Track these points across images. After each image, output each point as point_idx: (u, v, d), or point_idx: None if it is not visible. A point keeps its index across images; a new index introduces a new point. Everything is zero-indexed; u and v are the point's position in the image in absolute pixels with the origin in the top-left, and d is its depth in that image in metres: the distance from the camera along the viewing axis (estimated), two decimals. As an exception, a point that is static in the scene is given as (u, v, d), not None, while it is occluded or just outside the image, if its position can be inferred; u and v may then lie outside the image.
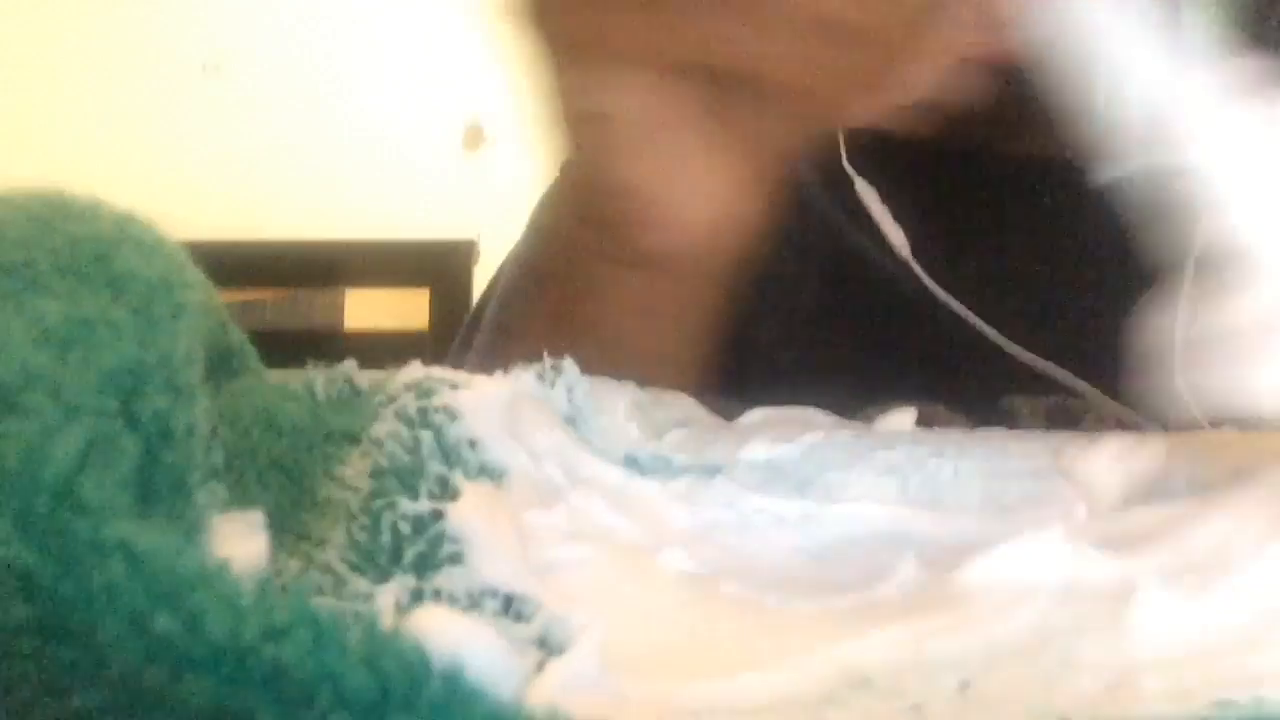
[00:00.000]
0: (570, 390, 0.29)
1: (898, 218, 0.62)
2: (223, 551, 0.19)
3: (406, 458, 0.24)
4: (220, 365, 0.27)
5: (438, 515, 0.23)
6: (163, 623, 0.15)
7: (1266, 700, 0.18)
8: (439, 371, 0.28)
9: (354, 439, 0.26)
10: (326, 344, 1.39)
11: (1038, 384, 0.52)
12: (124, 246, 0.22)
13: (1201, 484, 0.27)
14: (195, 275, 0.24)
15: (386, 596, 0.20)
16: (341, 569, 0.22)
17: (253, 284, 1.45)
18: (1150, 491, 0.27)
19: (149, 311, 0.21)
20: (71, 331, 0.19)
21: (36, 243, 0.21)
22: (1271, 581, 0.23)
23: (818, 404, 0.34)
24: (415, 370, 0.28)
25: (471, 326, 0.57)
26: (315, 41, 1.74)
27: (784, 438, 0.30)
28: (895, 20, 0.34)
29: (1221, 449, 0.29)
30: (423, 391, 0.27)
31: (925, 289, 0.58)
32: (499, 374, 0.29)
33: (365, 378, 0.29)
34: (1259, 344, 0.27)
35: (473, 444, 0.25)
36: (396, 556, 0.22)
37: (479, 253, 1.42)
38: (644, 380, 0.33)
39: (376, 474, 0.24)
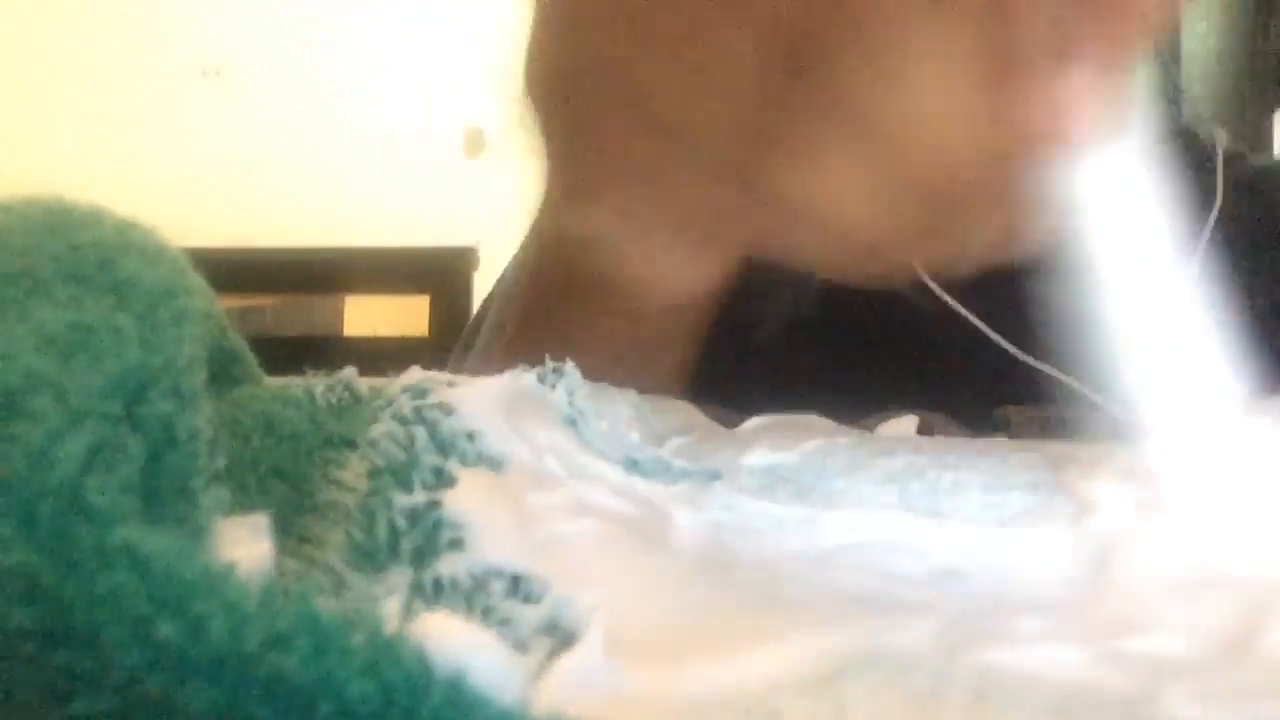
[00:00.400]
0: (571, 393, 0.29)
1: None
2: (228, 555, 0.19)
3: (401, 454, 0.24)
4: (220, 371, 0.27)
5: (434, 504, 0.23)
6: (165, 629, 0.15)
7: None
8: (437, 374, 0.28)
9: (353, 445, 0.26)
10: (326, 350, 1.40)
11: (1035, 394, 0.52)
12: (126, 253, 0.22)
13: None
14: (196, 282, 0.24)
15: (391, 602, 0.20)
16: (340, 568, 0.22)
17: (253, 290, 1.45)
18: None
19: (152, 317, 0.21)
20: (75, 337, 0.19)
21: (39, 250, 0.22)
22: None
23: (818, 412, 0.34)
24: (413, 374, 0.28)
25: (471, 334, 0.58)
26: (316, 47, 1.74)
27: (784, 445, 0.30)
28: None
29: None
30: (418, 392, 0.27)
31: (926, 295, 0.58)
32: (497, 375, 0.29)
33: (365, 384, 0.29)
34: None
35: (471, 436, 0.25)
36: (394, 551, 0.22)
37: (479, 259, 1.43)
38: None
39: (373, 474, 0.24)
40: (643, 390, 0.32)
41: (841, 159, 0.32)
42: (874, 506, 0.28)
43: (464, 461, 0.24)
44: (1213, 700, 0.19)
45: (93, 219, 0.23)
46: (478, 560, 0.21)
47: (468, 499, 0.23)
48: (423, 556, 0.22)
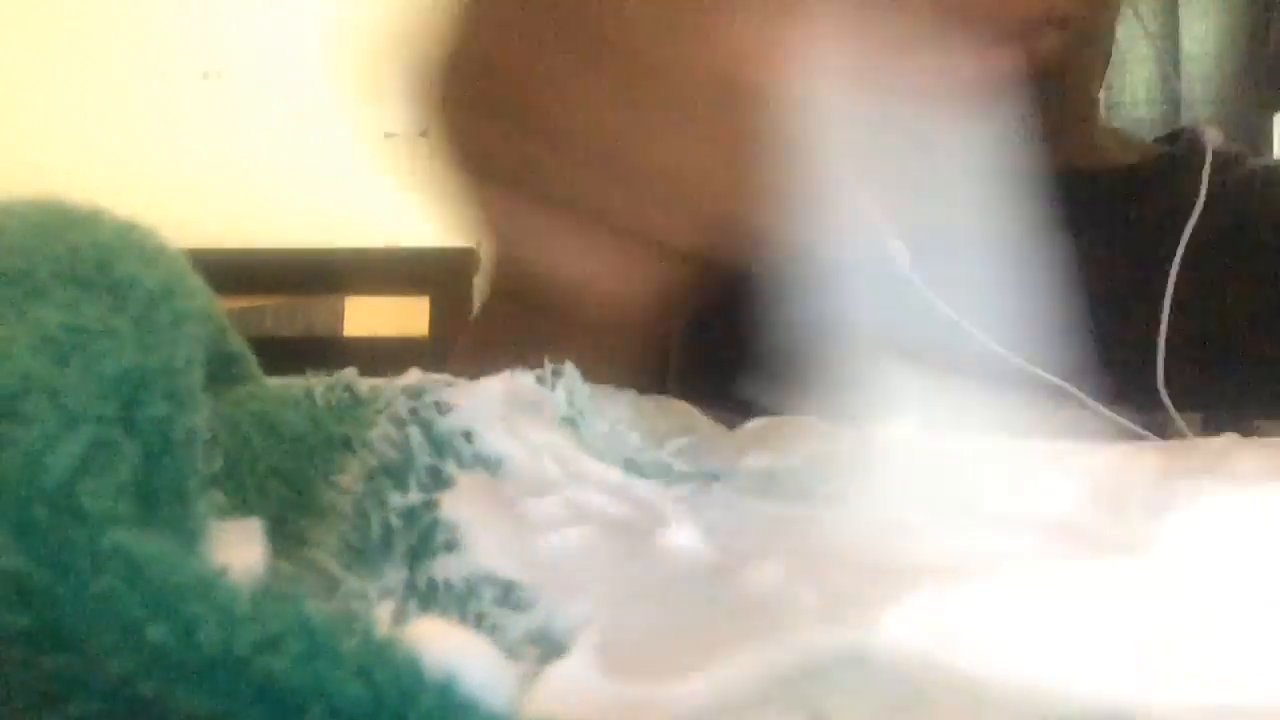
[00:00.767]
0: (571, 393, 0.29)
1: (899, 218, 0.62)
2: (222, 559, 0.19)
3: (395, 455, 0.24)
4: (220, 372, 0.27)
5: (430, 505, 0.23)
6: (157, 632, 0.15)
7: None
8: (436, 376, 0.28)
9: (350, 446, 0.26)
10: (326, 351, 1.40)
11: (1030, 394, 0.52)
12: (125, 254, 0.22)
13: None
14: (196, 283, 0.24)
15: (384, 607, 0.20)
16: (334, 569, 0.22)
17: (253, 291, 1.45)
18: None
19: (149, 319, 0.21)
20: (72, 339, 0.19)
21: (37, 250, 0.22)
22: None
23: (815, 414, 0.34)
24: (411, 375, 0.28)
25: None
26: (316, 49, 1.74)
27: (784, 447, 0.30)
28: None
29: (1217, 457, 0.29)
30: (414, 393, 0.27)
31: (919, 299, 0.58)
32: (497, 378, 0.29)
33: (365, 385, 0.29)
34: None
35: (467, 436, 0.25)
36: (388, 550, 0.22)
37: (479, 260, 1.43)
38: None
39: (370, 475, 0.24)
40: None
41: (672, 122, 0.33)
42: (872, 506, 0.28)
43: (460, 462, 0.24)
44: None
45: (92, 220, 0.23)
46: (471, 564, 0.21)
47: (463, 502, 0.23)
48: (417, 557, 0.22)
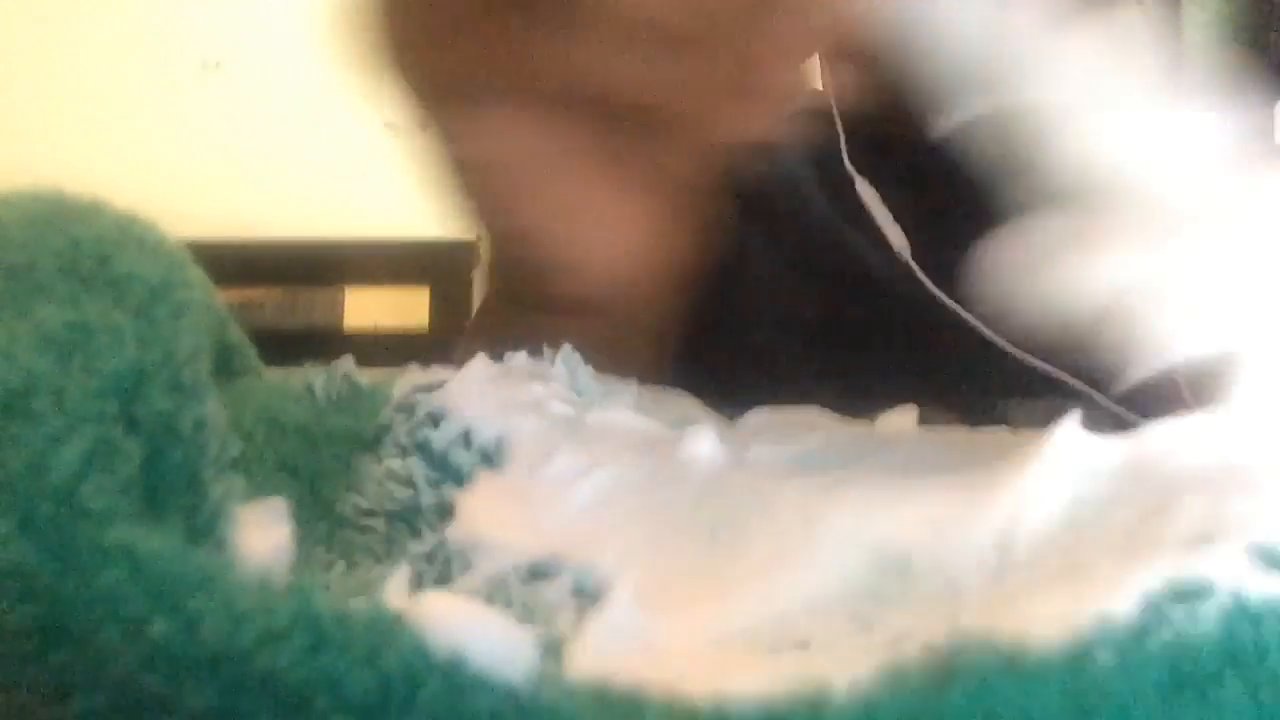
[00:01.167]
0: (573, 371, 0.29)
1: (897, 219, 0.62)
2: (247, 540, 0.19)
3: (406, 494, 0.24)
4: (220, 364, 0.27)
5: (441, 543, 0.23)
6: (160, 628, 0.15)
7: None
8: (427, 376, 0.28)
9: (358, 439, 0.26)
10: (326, 343, 1.39)
11: (1033, 388, 0.52)
12: (125, 247, 0.22)
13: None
14: (196, 275, 0.24)
15: (396, 580, 0.20)
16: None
17: (253, 283, 1.45)
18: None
19: (150, 313, 0.21)
20: (73, 337, 0.19)
21: (38, 244, 0.22)
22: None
23: (817, 406, 0.34)
24: (406, 381, 0.28)
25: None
26: (315, 40, 1.74)
27: (784, 439, 0.30)
28: (727, 19, 0.32)
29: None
30: (408, 410, 0.27)
31: (924, 292, 0.58)
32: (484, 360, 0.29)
33: (365, 377, 0.29)
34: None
35: (466, 436, 0.25)
36: (418, 584, 0.22)
37: (479, 252, 1.43)
38: None
39: (389, 516, 0.24)
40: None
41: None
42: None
43: (461, 475, 0.24)
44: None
45: (92, 212, 0.23)
46: (490, 567, 0.21)
47: (468, 524, 0.23)
48: (442, 582, 0.22)
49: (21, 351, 0.18)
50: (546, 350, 0.29)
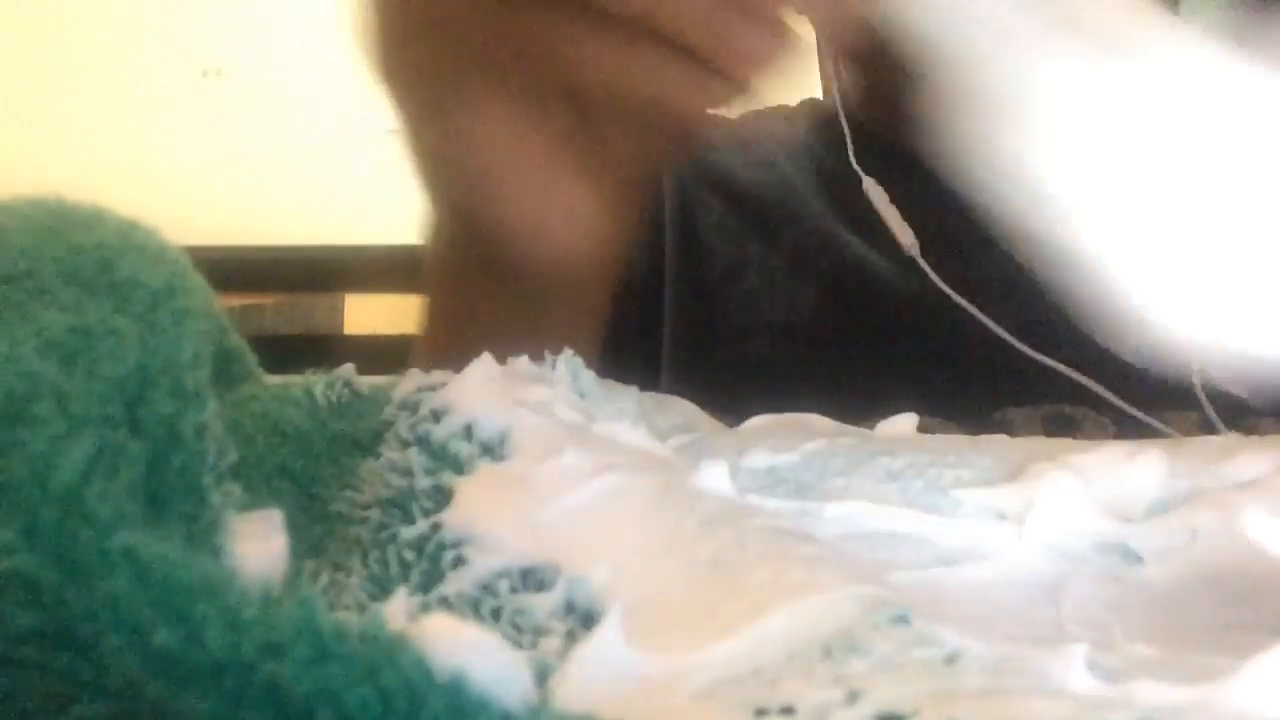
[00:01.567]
0: (575, 374, 0.29)
1: (902, 218, 0.62)
2: (243, 550, 0.19)
3: (402, 482, 0.24)
4: (221, 371, 0.27)
5: (435, 529, 0.23)
6: (164, 635, 0.15)
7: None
8: (431, 376, 0.28)
9: (358, 444, 0.26)
10: (327, 349, 1.39)
11: (1035, 393, 0.52)
12: (126, 254, 0.22)
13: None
14: (196, 281, 0.24)
15: (395, 606, 0.20)
16: (363, 599, 0.22)
17: (252, 289, 1.45)
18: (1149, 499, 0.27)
19: (152, 318, 0.21)
20: (76, 341, 0.19)
21: (40, 251, 0.22)
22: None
23: (817, 412, 0.34)
24: (409, 383, 0.28)
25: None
26: (315, 47, 1.74)
27: (785, 445, 0.30)
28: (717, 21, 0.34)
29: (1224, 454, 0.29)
30: (412, 408, 0.27)
31: (926, 294, 0.58)
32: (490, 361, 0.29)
33: (364, 383, 0.29)
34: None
35: (468, 429, 0.25)
36: (406, 580, 0.22)
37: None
38: None
39: (383, 503, 0.24)
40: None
41: None
42: (874, 502, 0.27)
43: (461, 464, 0.24)
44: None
45: (93, 219, 0.23)
46: (482, 568, 0.21)
47: (469, 507, 0.23)
48: (430, 580, 0.22)
49: (24, 356, 0.18)
50: (548, 355, 0.30)
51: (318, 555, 0.24)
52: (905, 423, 0.34)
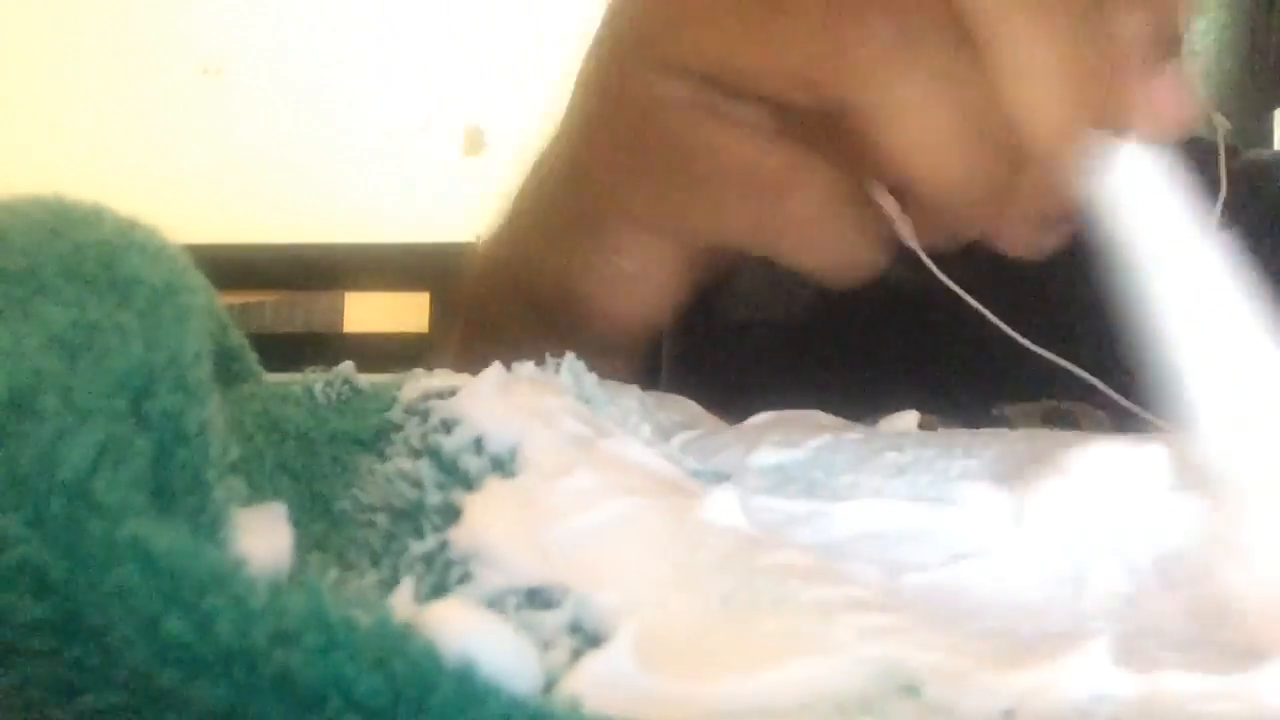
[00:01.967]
0: (578, 377, 0.29)
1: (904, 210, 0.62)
2: (247, 545, 0.19)
3: (412, 494, 0.25)
4: (221, 368, 0.27)
5: (443, 546, 0.23)
6: (174, 624, 0.15)
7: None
8: (440, 380, 0.28)
9: (359, 442, 0.26)
10: (326, 347, 1.40)
11: (1033, 388, 0.52)
12: (128, 252, 0.22)
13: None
14: (197, 279, 0.24)
15: (402, 593, 0.20)
16: (374, 600, 0.22)
17: (253, 287, 1.45)
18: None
19: (155, 315, 0.21)
20: (80, 336, 0.19)
21: (42, 249, 0.22)
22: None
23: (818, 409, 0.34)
24: (417, 385, 0.28)
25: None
26: (315, 45, 1.74)
27: (791, 442, 0.30)
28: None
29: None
30: (421, 415, 0.27)
31: (925, 288, 0.58)
32: (498, 369, 0.29)
33: (364, 380, 0.29)
34: None
35: (478, 443, 0.25)
36: (414, 590, 0.22)
37: (479, 256, 1.42)
38: None
39: (392, 512, 0.24)
40: None
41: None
42: (884, 498, 0.27)
43: (470, 479, 0.24)
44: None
45: (94, 218, 0.23)
46: (488, 585, 0.21)
47: (474, 528, 0.23)
48: (438, 593, 0.22)
49: (28, 351, 0.18)
50: (549, 358, 0.30)
51: (322, 550, 0.24)
52: (907, 419, 0.34)
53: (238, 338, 0.29)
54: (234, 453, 0.21)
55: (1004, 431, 0.31)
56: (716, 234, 0.36)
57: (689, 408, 0.34)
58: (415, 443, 0.26)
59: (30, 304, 0.20)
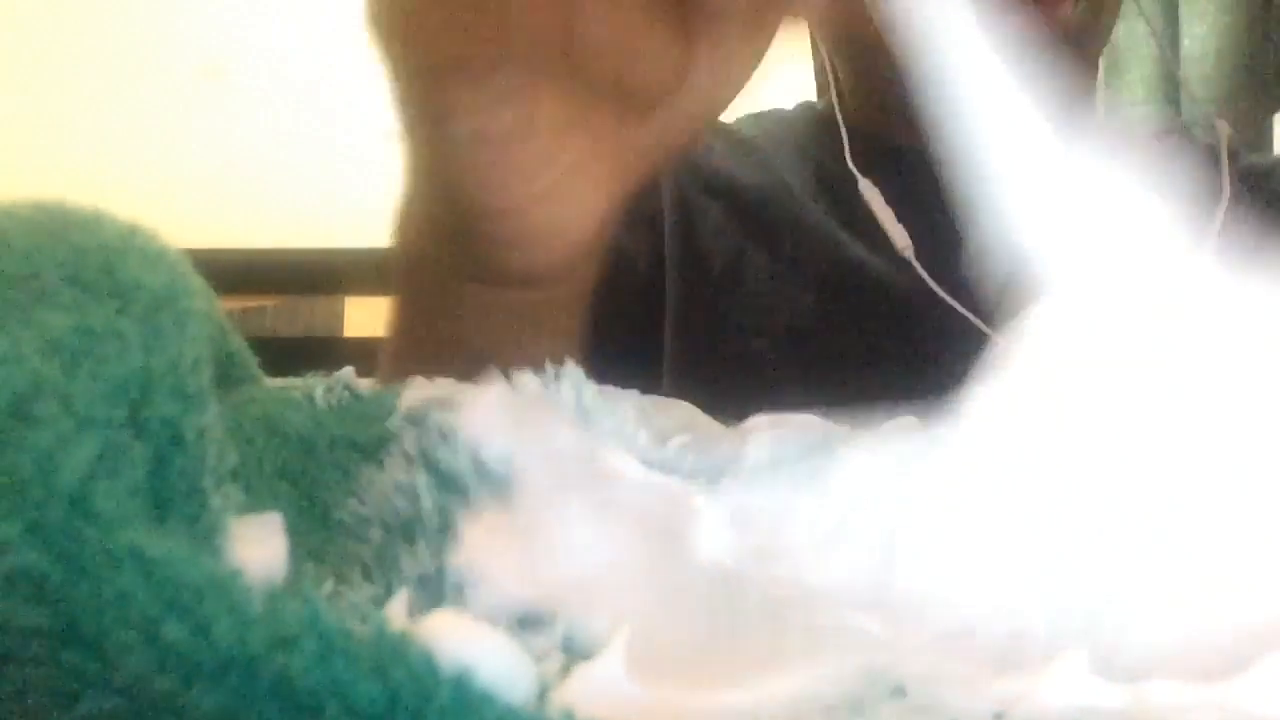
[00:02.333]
0: (578, 392, 0.29)
1: (898, 219, 0.62)
2: (242, 553, 0.19)
3: (408, 508, 0.25)
4: (221, 373, 0.27)
5: (439, 568, 0.23)
6: (172, 631, 0.15)
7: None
8: (440, 389, 0.28)
9: (358, 447, 0.26)
10: (327, 351, 1.40)
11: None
12: (128, 257, 0.22)
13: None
14: (198, 284, 0.24)
15: (397, 604, 0.21)
16: (367, 613, 0.22)
17: (253, 291, 1.45)
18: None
19: (155, 321, 0.21)
20: (79, 342, 0.19)
21: (42, 254, 0.22)
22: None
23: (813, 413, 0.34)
24: (416, 394, 0.28)
25: None
26: (315, 49, 1.74)
27: (787, 439, 0.30)
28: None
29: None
30: (419, 423, 0.27)
31: (919, 294, 0.58)
32: (499, 381, 0.29)
33: (365, 385, 0.29)
34: None
35: (476, 461, 0.25)
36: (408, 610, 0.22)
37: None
38: None
39: (387, 526, 0.24)
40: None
41: None
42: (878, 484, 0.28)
43: (467, 494, 0.24)
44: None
45: (94, 223, 0.23)
46: (480, 606, 0.21)
47: (469, 553, 0.23)
48: (429, 609, 0.22)
49: (27, 356, 0.18)
50: (550, 368, 0.30)
51: (318, 560, 0.24)
52: (904, 424, 0.34)
53: (238, 342, 0.29)
54: (232, 459, 0.21)
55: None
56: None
57: (688, 411, 0.34)
58: (411, 451, 0.26)
59: (30, 309, 0.20)
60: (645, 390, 0.33)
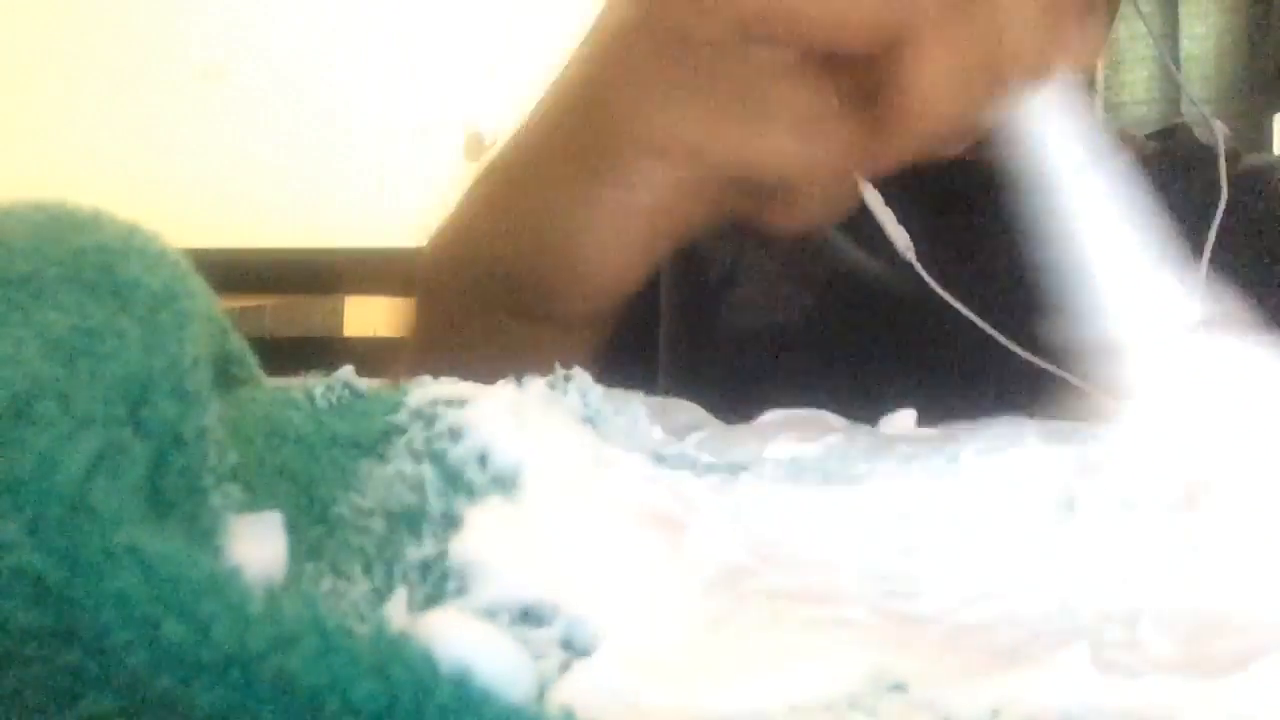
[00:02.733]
0: (584, 394, 0.29)
1: (899, 221, 0.62)
2: (242, 552, 0.19)
3: (412, 498, 0.25)
4: (221, 373, 0.27)
5: (442, 554, 0.23)
6: (171, 630, 0.15)
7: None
8: (447, 388, 0.28)
9: (359, 446, 0.26)
10: (326, 351, 1.40)
11: (1028, 396, 0.52)
12: (128, 257, 0.22)
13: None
14: (197, 284, 0.24)
15: (397, 602, 0.21)
16: (365, 610, 0.22)
17: (252, 291, 1.45)
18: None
19: (154, 320, 0.21)
20: (79, 342, 0.19)
21: (42, 254, 0.22)
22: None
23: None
24: (423, 391, 0.28)
25: None
26: (316, 49, 1.74)
27: (806, 437, 0.30)
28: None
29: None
30: (427, 420, 0.27)
31: (921, 297, 0.59)
32: (507, 382, 0.29)
33: (364, 384, 0.29)
34: None
35: (482, 458, 0.25)
36: (408, 597, 0.22)
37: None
38: None
39: (389, 515, 0.24)
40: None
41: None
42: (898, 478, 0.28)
43: (473, 491, 0.24)
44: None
45: (94, 223, 0.23)
46: (482, 599, 0.21)
47: (474, 541, 0.23)
48: (432, 602, 0.22)
49: (27, 356, 0.18)
50: (559, 375, 0.30)
51: (317, 558, 0.24)
52: (905, 419, 0.34)
53: (238, 342, 0.29)
54: (231, 458, 0.21)
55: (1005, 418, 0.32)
56: (735, 160, 0.36)
57: (694, 411, 0.34)
58: (419, 446, 0.26)
59: (30, 309, 0.20)
60: (633, 388, 0.33)
